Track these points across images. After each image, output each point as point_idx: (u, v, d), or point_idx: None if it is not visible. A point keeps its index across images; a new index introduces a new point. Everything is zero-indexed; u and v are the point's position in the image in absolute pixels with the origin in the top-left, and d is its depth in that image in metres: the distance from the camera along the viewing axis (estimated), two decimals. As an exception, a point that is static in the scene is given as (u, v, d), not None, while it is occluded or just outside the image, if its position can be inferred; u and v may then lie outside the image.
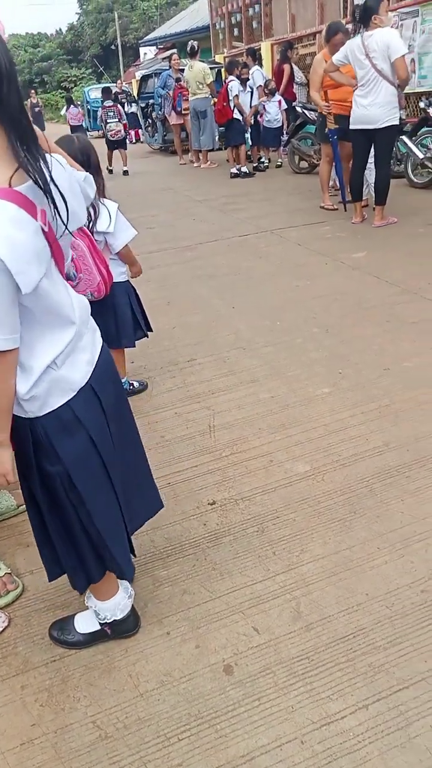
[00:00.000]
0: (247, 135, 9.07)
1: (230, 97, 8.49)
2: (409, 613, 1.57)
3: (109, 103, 10.21)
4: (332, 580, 1.70)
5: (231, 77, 8.56)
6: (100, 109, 11.03)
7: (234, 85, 8.46)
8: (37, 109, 17.69)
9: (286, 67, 9.19)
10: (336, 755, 1.27)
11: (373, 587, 1.66)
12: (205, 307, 3.85)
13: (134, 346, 2.77)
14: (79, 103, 18.01)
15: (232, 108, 8.54)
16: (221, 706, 1.40)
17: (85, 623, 1.58)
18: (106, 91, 11.09)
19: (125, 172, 10.36)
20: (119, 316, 2.64)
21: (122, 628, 1.58)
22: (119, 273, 2.58)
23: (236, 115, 8.60)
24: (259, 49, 11.66)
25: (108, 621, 1.55)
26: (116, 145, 10.29)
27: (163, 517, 2.00)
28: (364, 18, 4.70)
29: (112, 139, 10.15)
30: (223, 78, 11.50)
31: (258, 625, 1.59)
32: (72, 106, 17.63)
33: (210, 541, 1.89)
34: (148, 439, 2.47)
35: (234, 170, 8.84)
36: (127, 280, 2.67)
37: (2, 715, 1.42)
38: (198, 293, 4.14)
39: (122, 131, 10.12)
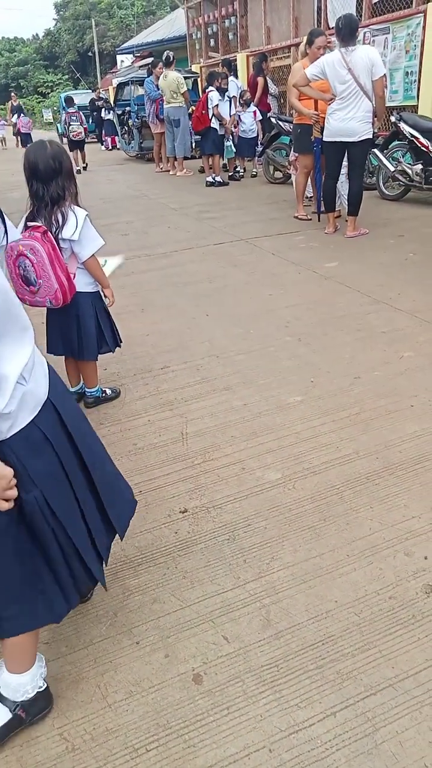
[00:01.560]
0: (229, 144, 9.18)
1: (209, 106, 8.56)
2: (377, 620, 1.59)
3: (72, 109, 11.92)
4: (302, 587, 1.71)
5: (211, 87, 8.65)
6: (64, 113, 12.89)
7: (213, 95, 8.55)
8: (74, 111, 17.69)
9: (260, 79, 9.34)
10: (304, 763, 1.28)
11: (342, 594, 1.67)
12: (179, 315, 3.86)
13: (96, 360, 2.74)
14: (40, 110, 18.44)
15: (210, 117, 8.61)
16: (190, 715, 1.39)
17: None
18: (68, 100, 12.83)
19: (85, 168, 12.10)
20: (83, 328, 2.59)
21: (38, 707, 1.38)
22: (86, 283, 2.54)
23: (214, 124, 8.68)
24: (235, 60, 11.78)
25: (23, 701, 1.35)
26: (77, 145, 11.95)
27: (134, 525, 1.98)
28: (350, 33, 4.80)
29: (74, 139, 11.88)
30: (200, 87, 11.61)
31: (227, 634, 1.59)
32: (22, 114, 17.96)
33: (181, 549, 1.89)
34: (121, 447, 2.46)
35: (209, 179, 8.90)
36: (96, 292, 2.62)
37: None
38: (172, 300, 4.14)
39: (83, 133, 11.97)
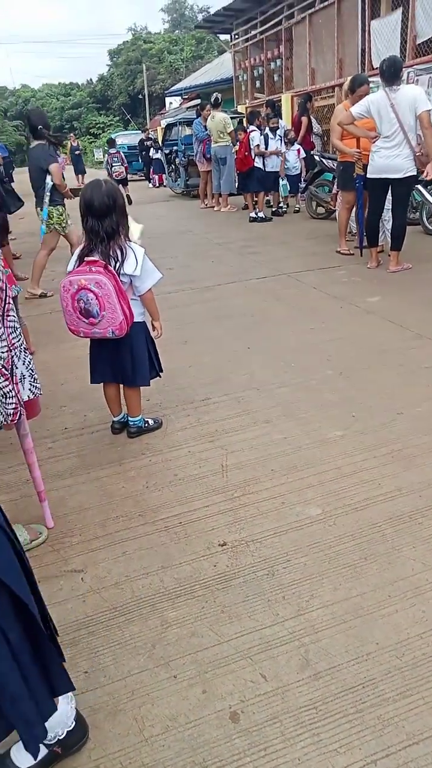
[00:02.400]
0: (284, 183, 9.41)
1: (251, 147, 8.80)
2: (420, 665, 1.54)
3: (113, 150, 13.38)
4: (342, 627, 1.68)
5: (252, 127, 8.90)
6: (107, 155, 14.09)
7: (255, 135, 8.79)
8: (77, 153, 18.38)
9: (305, 119, 9.58)
10: None
11: (383, 636, 1.63)
12: (221, 347, 3.91)
13: (149, 385, 2.81)
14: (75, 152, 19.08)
15: (253, 157, 8.85)
16: (226, 755, 1.37)
17: (26, 756, 1.31)
18: (110, 142, 14.37)
19: (129, 203, 12.81)
20: (136, 355, 2.69)
21: (73, 740, 1.38)
22: (138, 313, 2.64)
23: (257, 163, 8.90)
24: (279, 100, 12.09)
25: (56, 740, 1.35)
26: (119, 183, 12.46)
27: (173, 556, 2.01)
28: (394, 74, 4.91)
29: (116, 179, 12.69)
30: (245, 126, 11.96)
31: (266, 672, 1.57)
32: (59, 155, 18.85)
33: (220, 582, 1.88)
34: (162, 478, 2.49)
35: (253, 215, 9.07)
36: (144, 321, 2.73)
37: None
38: (214, 333, 4.20)
39: (124, 172, 13.20)
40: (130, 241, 2.54)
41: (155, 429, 2.89)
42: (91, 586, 1.92)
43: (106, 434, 2.91)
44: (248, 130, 8.93)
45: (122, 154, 13.43)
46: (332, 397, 3.05)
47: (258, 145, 8.78)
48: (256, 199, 9.23)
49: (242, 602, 1.80)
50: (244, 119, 13.53)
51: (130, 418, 2.84)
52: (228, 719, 1.46)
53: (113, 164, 13.17)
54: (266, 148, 8.90)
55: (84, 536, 2.17)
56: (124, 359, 2.69)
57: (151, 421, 2.90)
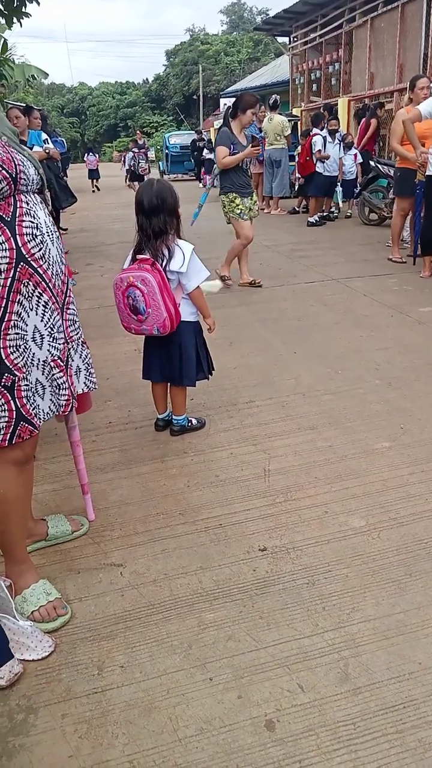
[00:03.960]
0: (339, 189, 9.35)
1: (313, 151, 8.71)
2: (465, 690, 1.49)
3: (136, 150, 15.80)
4: (383, 644, 1.64)
5: (315, 130, 8.80)
6: (131, 153, 16.38)
7: (318, 139, 8.69)
8: (142, 150, 18.43)
9: (374, 121, 9.45)
10: None
11: (427, 656, 1.59)
12: (267, 350, 3.89)
13: (194, 386, 2.81)
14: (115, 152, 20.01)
15: (314, 161, 8.77)
16: (260, 763, 1.35)
17: None
18: (134, 141, 16.71)
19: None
20: (184, 355, 2.69)
21: None
22: (189, 312, 2.65)
23: (318, 168, 8.81)
24: (336, 104, 11.97)
25: None
26: (141, 178, 14.86)
27: (212, 558, 2.00)
28: None
29: (141, 173, 15.14)
30: (299, 130, 11.89)
31: (303, 683, 1.54)
32: (90, 154, 19.43)
33: (259, 588, 1.87)
34: (203, 478, 2.48)
35: (312, 219, 8.98)
36: (197, 321, 2.73)
37: (41, 741, 1.42)
38: (261, 336, 4.18)
39: (148, 168, 15.31)
40: (180, 239, 2.55)
41: (198, 429, 2.89)
42: (129, 581, 1.93)
43: (149, 430, 2.92)
44: (311, 134, 8.84)
45: (146, 152, 15.97)
46: (380, 407, 2.99)
47: (320, 150, 8.69)
48: (314, 203, 9.16)
49: (281, 609, 1.78)
50: (299, 123, 13.48)
51: (174, 417, 2.85)
52: (263, 727, 1.44)
53: (140, 161, 15.38)
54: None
55: (124, 531, 2.18)
56: (173, 358, 2.70)
57: (194, 421, 2.90)
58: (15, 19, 7.76)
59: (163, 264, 2.49)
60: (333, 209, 9.67)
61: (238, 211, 5.25)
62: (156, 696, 1.53)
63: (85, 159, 20.37)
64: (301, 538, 2.07)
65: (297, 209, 10.40)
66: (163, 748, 1.40)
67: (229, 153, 5.00)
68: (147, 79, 61.93)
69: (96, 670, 1.61)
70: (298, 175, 9.94)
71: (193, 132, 21.87)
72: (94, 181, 19.62)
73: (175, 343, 2.66)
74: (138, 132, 19.92)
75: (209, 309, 2.73)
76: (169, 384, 2.83)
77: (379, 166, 8.04)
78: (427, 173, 5.17)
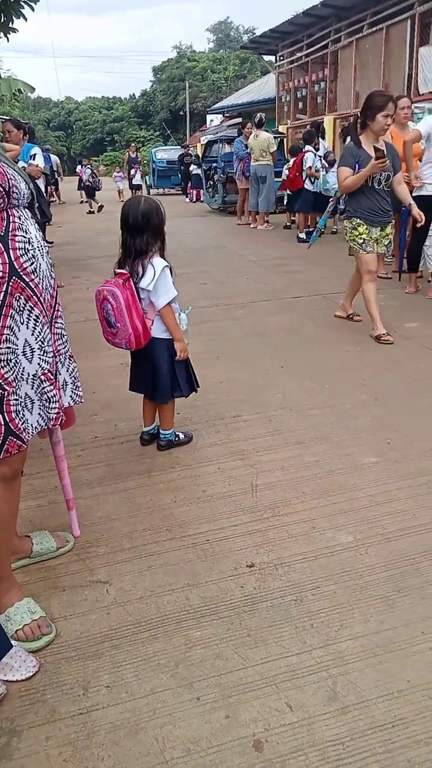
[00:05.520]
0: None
1: (303, 168, 8.81)
2: (454, 708, 1.48)
3: (89, 168, 16.77)
4: (372, 661, 1.63)
5: (308, 147, 8.91)
6: (87, 169, 16.70)
7: (309, 156, 8.81)
8: (134, 165, 18.29)
9: None
10: None
11: (415, 674, 1.58)
12: (254, 365, 3.89)
13: (166, 403, 2.77)
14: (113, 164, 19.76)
15: (303, 178, 8.86)
16: (249, 785, 1.33)
17: None
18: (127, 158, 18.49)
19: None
20: (157, 372, 2.68)
21: None
22: (162, 330, 2.63)
23: (307, 184, 8.91)
24: (323, 122, 12.16)
25: None
26: (93, 193, 16.16)
27: (200, 575, 1.98)
28: None
29: (135, 183, 17.67)
30: (285, 148, 12.04)
31: (291, 701, 1.52)
32: (81, 165, 18.48)
33: (246, 605, 1.85)
34: (190, 493, 2.47)
35: (301, 235, 9.05)
36: (169, 339, 2.67)
37: (25, 766, 1.38)
38: (247, 350, 4.19)
39: (98, 182, 16.62)
40: (162, 258, 2.55)
41: (185, 443, 2.87)
42: (115, 598, 1.90)
43: (136, 445, 2.90)
44: (303, 150, 8.95)
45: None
46: (367, 423, 3.00)
47: (311, 167, 8.79)
48: (294, 219, 9.25)
49: (269, 627, 1.76)
50: (285, 140, 13.66)
51: (161, 431, 2.84)
52: (251, 747, 1.42)
53: (136, 175, 17.43)
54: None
55: (110, 547, 2.15)
56: (146, 374, 2.70)
57: (181, 435, 2.88)
58: (2, 34, 7.80)
59: (136, 281, 2.51)
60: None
61: (360, 241, 4.33)
62: (142, 716, 1.50)
63: (77, 171, 19.70)
64: (289, 554, 2.07)
65: (288, 225, 10.51)
66: (150, 771, 1.37)
67: (353, 173, 4.14)
68: (134, 94, 62.45)
69: (81, 690, 1.58)
70: (282, 191, 10.03)
71: (180, 147, 22.07)
72: (89, 197, 16.37)
73: (148, 359, 2.67)
74: (132, 145, 19.90)
75: (180, 331, 2.65)
76: None
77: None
78: (414, 193, 5.24)
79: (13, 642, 1.63)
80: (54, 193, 17.33)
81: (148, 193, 18.45)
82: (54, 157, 17.30)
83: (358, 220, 4.28)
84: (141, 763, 1.39)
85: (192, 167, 17.73)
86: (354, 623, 1.75)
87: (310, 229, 9.51)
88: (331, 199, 4.78)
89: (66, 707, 1.53)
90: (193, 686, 1.58)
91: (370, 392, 3.36)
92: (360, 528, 2.18)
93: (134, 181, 18.27)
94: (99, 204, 15.69)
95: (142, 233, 2.49)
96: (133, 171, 18.09)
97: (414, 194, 5.24)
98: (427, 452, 2.68)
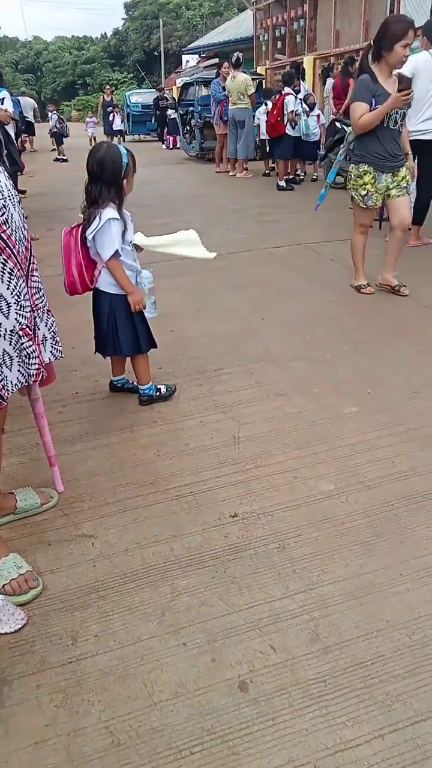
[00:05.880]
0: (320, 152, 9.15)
1: (285, 111, 8.47)
2: (430, 643, 1.55)
3: (56, 113, 16.55)
4: (352, 603, 1.68)
5: (287, 89, 8.55)
6: (54, 114, 16.24)
7: (290, 99, 8.46)
8: (109, 109, 17.65)
9: (351, 80, 9.25)
10: (349, 784, 1.25)
11: (394, 614, 1.64)
12: (235, 317, 3.86)
13: (129, 355, 2.75)
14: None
15: (285, 123, 8.53)
16: (235, 723, 1.39)
17: None
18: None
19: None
20: (98, 325, 2.70)
21: None
22: (108, 283, 2.59)
23: (288, 130, 8.58)
24: (302, 62, 11.72)
25: None
26: (61, 140, 15.48)
27: (184, 526, 2.01)
28: None
29: (116, 129, 17.49)
30: (263, 89, 11.60)
31: (275, 644, 1.58)
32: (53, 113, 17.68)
33: (230, 553, 1.89)
34: (173, 447, 2.48)
35: (281, 183, 8.82)
36: (117, 294, 2.61)
37: (17, 713, 1.42)
38: (228, 303, 4.15)
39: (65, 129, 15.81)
40: (110, 208, 2.47)
41: (168, 397, 2.86)
42: (101, 551, 1.93)
43: (117, 400, 2.89)
44: (283, 93, 8.58)
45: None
46: (348, 373, 3.02)
47: (293, 111, 8.47)
48: (273, 165, 9.01)
49: (252, 574, 1.80)
50: (263, 81, 13.16)
51: (140, 387, 2.82)
52: (237, 688, 1.47)
53: (116, 119, 17.04)
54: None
55: (94, 502, 2.17)
56: (102, 328, 2.69)
57: (163, 389, 2.87)
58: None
59: (84, 229, 2.50)
60: (299, 172, 9.55)
61: (363, 192, 3.91)
62: (131, 663, 1.55)
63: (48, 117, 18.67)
64: (272, 504, 2.10)
65: (268, 172, 10.22)
66: (139, 713, 1.42)
67: (369, 109, 3.70)
68: (105, 33, 59.50)
69: (70, 640, 1.61)
70: (263, 136, 9.67)
71: (155, 90, 21.17)
72: (57, 144, 15.73)
73: (100, 314, 2.67)
74: (107, 87, 19.02)
75: (130, 284, 2.57)
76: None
77: (345, 126, 7.93)
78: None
79: (0, 596, 1.65)
80: (28, 140, 16.62)
81: (123, 140, 17.76)
82: (29, 100, 16.48)
83: (366, 167, 3.84)
84: (130, 706, 1.44)
85: (169, 111, 17.06)
86: (335, 568, 1.80)
87: (290, 176, 9.31)
88: (342, 146, 4.43)
89: (55, 657, 1.57)
90: (179, 632, 1.62)
91: (352, 342, 3.36)
92: (341, 476, 2.22)
93: (115, 126, 17.49)
94: (63, 156, 15.03)
95: (97, 181, 2.46)
96: (111, 116, 17.34)
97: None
98: (405, 401, 2.71)
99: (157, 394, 2.85)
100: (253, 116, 9.94)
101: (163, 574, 1.82)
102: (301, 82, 9.32)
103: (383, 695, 1.43)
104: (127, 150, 2.50)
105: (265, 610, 1.68)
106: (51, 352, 1.93)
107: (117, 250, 2.50)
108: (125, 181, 2.50)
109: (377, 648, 1.55)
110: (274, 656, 1.54)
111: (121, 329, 2.65)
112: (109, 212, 2.46)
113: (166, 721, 1.40)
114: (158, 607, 1.70)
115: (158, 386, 2.87)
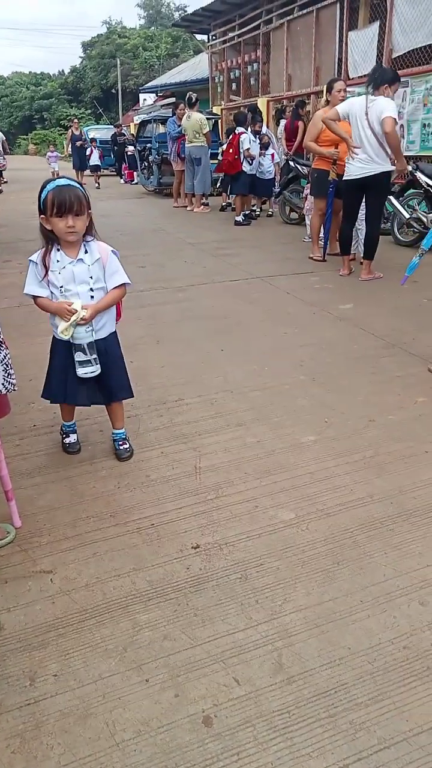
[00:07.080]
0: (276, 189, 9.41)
1: (241, 149, 8.73)
2: (391, 670, 1.56)
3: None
4: (314, 632, 1.69)
5: (241, 129, 8.82)
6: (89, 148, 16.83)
7: (246, 138, 8.74)
8: (78, 143, 16.64)
9: (300, 123, 9.64)
10: None
11: (355, 641, 1.65)
12: (194, 349, 3.90)
13: (132, 396, 2.65)
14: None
15: (241, 161, 8.78)
16: (199, 759, 1.36)
17: None
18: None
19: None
20: (111, 365, 2.55)
21: None
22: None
23: (245, 167, 8.84)
24: (257, 104, 12.16)
25: None
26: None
27: (145, 558, 1.99)
28: (378, 82, 4.97)
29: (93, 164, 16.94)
30: (220, 129, 11.96)
31: (239, 676, 1.56)
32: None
33: (193, 585, 1.87)
34: (134, 478, 2.46)
35: (239, 218, 9.02)
36: (114, 331, 2.54)
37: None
38: (187, 334, 4.19)
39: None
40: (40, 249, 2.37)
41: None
42: (60, 587, 1.88)
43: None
44: (237, 132, 8.86)
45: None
46: (305, 402, 3.08)
47: (248, 149, 8.74)
48: (230, 201, 9.23)
49: (215, 606, 1.79)
50: (219, 121, 13.57)
51: (115, 431, 2.68)
52: (201, 723, 1.45)
53: (93, 154, 16.72)
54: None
55: (53, 536, 2.12)
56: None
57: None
58: None
59: None
60: (254, 207, 9.81)
61: None
62: (92, 702, 1.50)
63: None
64: (233, 534, 2.10)
65: (224, 206, 10.46)
66: (101, 755, 1.38)
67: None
68: (63, 70, 60.23)
69: (28, 681, 1.56)
70: (218, 174, 9.96)
71: (113, 126, 21.51)
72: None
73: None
74: (75, 121, 18.74)
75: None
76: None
77: (298, 166, 8.25)
78: (345, 177, 5.34)
79: None
80: None
81: (78, 176, 17.75)
82: None
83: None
84: (91, 747, 1.39)
85: (127, 147, 17.32)
86: (297, 597, 1.81)
87: (247, 212, 9.56)
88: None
89: (12, 699, 1.51)
90: (141, 669, 1.59)
91: (308, 373, 3.44)
92: (301, 505, 2.24)
93: (92, 161, 16.70)
94: None
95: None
96: (90, 150, 16.64)
97: (345, 177, 5.33)
98: (362, 430, 2.78)
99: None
100: (216, 154, 10.24)
101: (125, 608, 1.79)
102: (262, 124, 9.64)
103: (347, 724, 1.43)
104: (71, 184, 2.20)
105: (228, 642, 1.67)
106: (3, 384, 1.91)
107: (32, 295, 2.38)
108: (42, 217, 2.24)
109: (340, 676, 1.55)
110: (238, 689, 1.53)
111: (117, 368, 2.53)
112: (36, 252, 2.35)
113: (128, 761, 1.36)
114: (120, 643, 1.67)
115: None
